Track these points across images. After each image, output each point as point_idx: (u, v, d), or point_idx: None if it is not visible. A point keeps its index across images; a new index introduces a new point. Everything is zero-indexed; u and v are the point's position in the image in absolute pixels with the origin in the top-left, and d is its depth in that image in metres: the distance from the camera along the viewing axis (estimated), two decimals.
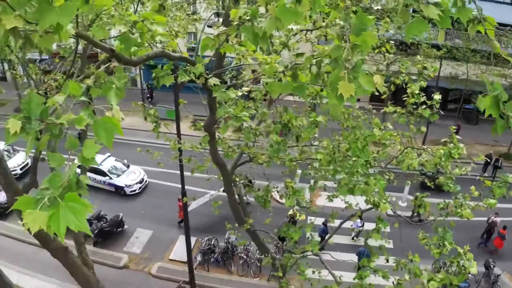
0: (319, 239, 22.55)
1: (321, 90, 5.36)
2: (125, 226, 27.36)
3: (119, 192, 31.07)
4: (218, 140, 11.44)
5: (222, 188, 13.31)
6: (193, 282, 21.86)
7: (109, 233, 26.46)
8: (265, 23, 4.42)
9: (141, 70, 44.96)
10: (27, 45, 3.79)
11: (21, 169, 33.22)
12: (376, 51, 12.12)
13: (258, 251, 23.41)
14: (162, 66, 7.46)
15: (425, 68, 11.71)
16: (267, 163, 11.76)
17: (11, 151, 34.60)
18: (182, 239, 25.26)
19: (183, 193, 19.01)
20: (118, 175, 31.44)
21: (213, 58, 7.41)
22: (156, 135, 11.72)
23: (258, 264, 23.77)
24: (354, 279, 11.39)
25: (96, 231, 25.83)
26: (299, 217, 12.44)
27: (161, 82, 7.24)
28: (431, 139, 36.40)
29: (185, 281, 22.40)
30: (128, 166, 32.57)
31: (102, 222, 26.42)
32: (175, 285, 22.96)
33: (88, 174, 30.07)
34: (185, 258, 23.48)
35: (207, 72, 7.30)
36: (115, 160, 32.57)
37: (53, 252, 15.30)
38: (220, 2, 27.46)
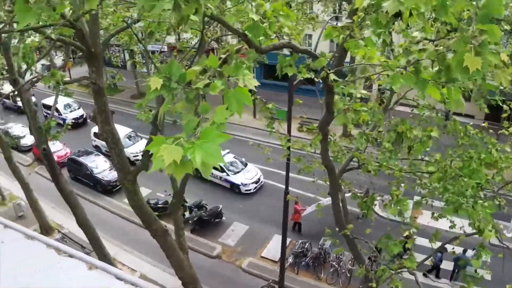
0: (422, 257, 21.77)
1: (442, 87, 5.21)
2: (223, 218, 27.92)
3: (234, 189, 31.29)
4: (330, 142, 11.36)
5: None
6: (282, 283, 21.88)
7: (207, 223, 27.13)
8: (388, 5, 4.40)
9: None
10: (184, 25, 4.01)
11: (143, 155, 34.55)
12: None
13: (350, 262, 23.07)
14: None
15: None
16: (375, 172, 11.56)
17: (135, 137, 36.22)
18: (276, 238, 25.41)
19: (286, 193, 19.11)
20: (235, 172, 31.56)
21: (336, 54, 7.37)
22: (268, 133, 11.81)
23: (348, 275, 23.32)
24: None
25: (195, 219, 26.65)
26: (411, 242, 12.10)
27: (284, 71, 7.31)
28: None
29: (275, 281, 22.47)
30: (245, 165, 32.47)
31: (202, 211, 27.15)
32: (263, 283, 23.10)
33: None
34: (277, 257, 23.63)
35: (328, 68, 7.30)
36: (234, 157, 32.59)
37: (153, 233, 15.90)
38: (337, 5, 27.43)
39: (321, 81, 7.63)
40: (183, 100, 4.02)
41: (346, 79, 8.25)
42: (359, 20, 5.95)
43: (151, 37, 12.72)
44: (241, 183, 30.92)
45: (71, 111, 43.33)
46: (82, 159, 33.40)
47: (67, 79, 12.05)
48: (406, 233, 12.29)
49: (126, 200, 16.70)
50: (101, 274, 6.10)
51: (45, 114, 40.17)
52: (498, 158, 10.95)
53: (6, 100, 45.63)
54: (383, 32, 5.64)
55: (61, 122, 39.12)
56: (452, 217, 11.06)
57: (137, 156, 33.45)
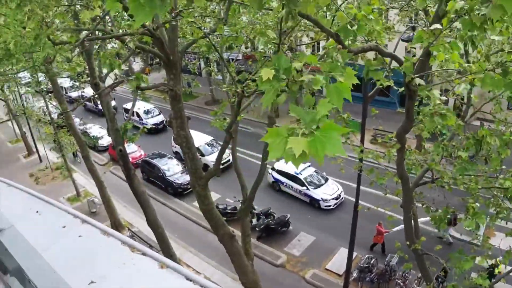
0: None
1: None
2: (290, 227, 27.86)
3: (313, 204, 30.46)
4: (406, 152, 11.21)
5: None
6: None
7: (274, 231, 27.20)
8: (487, 10, 4.48)
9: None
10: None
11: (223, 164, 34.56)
12: None
13: (416, 281, 22.50)
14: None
15: None
16: (449, 187, 11.32)
17: (215, 145, 36.41)
18: (342, 251, 25.14)
19: (356, 205, 18.96)
20: (316, 187, 30.57)
21: (421, 58, 7.32)
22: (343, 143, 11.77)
23: None
24: None
25: (262, 226, 26.80)
26: (499, 269, 11.71)
27: (370, 75, 7.36)
28: None
29: None
30: (326, 180, 31.35)
31: (269, 219, 27.27)
32: None
33: (286, 181, 31.46)
34: (341, 271, 23.38)
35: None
36: (315, 171, 31.70)
37: (220, 237, 16.16)
38: (414, 15, 26.93)
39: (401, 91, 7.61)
40: (285, 94, 4.20)
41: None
42: (448, 22, 5.97)
43: (229, 50, 13.09)
44: (321, 198, 29.95)
45: (151, 117, 44.78)
46: (155, 162, 34.51)
47: (143, 85, 12.50)
48: (492, 261, 11.93)
49: (195, 204, 17.14)
50: (171, 273, 6.30)
51: (126, 118, 41.44)
52: None
53: (88, 103, 47.85)
54: (478, 34, 5.67)
55: (141, 127, 40.60)
56: None
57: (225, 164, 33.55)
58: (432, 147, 10.74)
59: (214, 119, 13.96)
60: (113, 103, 46.02)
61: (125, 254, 6.61)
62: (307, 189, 30.42)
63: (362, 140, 16.07)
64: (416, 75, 7.19)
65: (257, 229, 26.93)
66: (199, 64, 50.19)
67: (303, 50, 35.91)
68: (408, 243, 12.92)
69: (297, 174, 30.51)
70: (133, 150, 36.48)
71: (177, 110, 13.27)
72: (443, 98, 7.92)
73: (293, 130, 3.42)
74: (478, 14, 5.02)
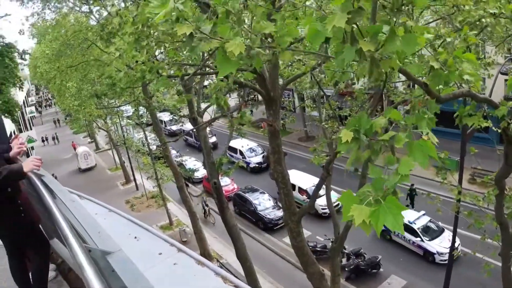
0: None
1: None
2: (381, 269, 27.05)
3: (427, 257, 27.66)
4: (506, 197, 10.68)
5: None
6: None
7: (364, 272, 26.45)
8: None
9: None
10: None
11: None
12: None
13: None
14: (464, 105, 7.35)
15: None
16: None
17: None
18: None
19: (452, 249, 18.16)
20: (431, 238, 27.78)
21: None
22: (438, 183, 11.45)
23: None
24: None
25: (352, 267, 26.20)
26: None
27: (464, 121, 7.14)
28: None
29: None
30: (442, 231, 28.52)
31: (360, 259, 26.67)
32: None
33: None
34: None
35: (510, 117, 6.99)
36: (430, 220, 29.00)
37: (310, 275, 15.99)
38: None
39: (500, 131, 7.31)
40: (368, 150, 4.15)
41: None
42: None
43: (332, 85, 13.19)
44: (437, 251, 27.03)
45: (255, 155, 45.11)
46: (247, 196, 34.98)
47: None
48: None
49: (285, 240, 17.14)
50: None
51: (228, 155, 42.07)
52: None
53: (189, 138, 49.50)
54: None
55: (244, 165, 42.03)
56: None
57: (325, 209, 31.22)
58: None
59: (314, 155, 14.00)
60: (213, 139, 47.76)
61: (218, 284, 6.69)
62: (422, 240, 27.68)
63: (460, 180, 15.50)
64: None
65: (346, 269, 26.29)
66: (294, 100, 50.75)
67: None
68: None
69: (411, 223, 28.29)
70: (227, 183, 37.08)
71: (275, 145, 13.43)
72: None
73: (364, 196, 3.50)
74: None
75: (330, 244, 20.76)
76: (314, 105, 30.27)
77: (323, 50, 7.21)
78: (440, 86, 5.92)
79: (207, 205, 33.90)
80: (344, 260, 26.76)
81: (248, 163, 43.06)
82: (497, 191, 9.72)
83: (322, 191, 33.31)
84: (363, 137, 4.04)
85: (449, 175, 12.72)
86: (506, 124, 6.90)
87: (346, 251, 27.17)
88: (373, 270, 26.68)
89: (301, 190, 33.03)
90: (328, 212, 25.67)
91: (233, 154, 44.32)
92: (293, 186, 30.70)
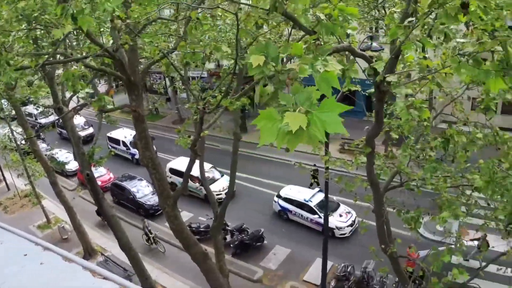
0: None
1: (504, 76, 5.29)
2: (265, 242, 27.69)
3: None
4: (375, 156, 11.17)
5: None
6: None
7: (249, 246, 26.97)
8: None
9: None
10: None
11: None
12: None
13: (394, 286, 22.56)
14: None
15: None
16: (418, 189, 11.38)
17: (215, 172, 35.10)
18: (318, 262, 25.05)
19: (327, 215, 18.89)
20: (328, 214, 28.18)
21: (392, 56, 7.32)
22: (312, 156, 11.77)
23: None
24: None
25: (236, 243, 26.58)
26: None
27: (346, 74, 7.37)
28: None
29: None
30: (338, 205, 29.21)
31: (243, 235, 27.11)
32: None
33: (294, 209, 29.71)
34: (319, 281, 23.25)
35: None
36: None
37: (193, 256, 16.02)
38: (374, 23, 27.19)
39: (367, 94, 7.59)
40: (272, 84, 4.21)
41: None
42: (424, 14, 6.04)
43: (187, 67, 13.09)
44: (336, 226, 27.75)
45: None
46: (125, 184, 34.05)
47: (110, 106, 12.44)
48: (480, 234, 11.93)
49: (167, 224, 16.98)
50: None
51: (110, 147, 40.81)
52: None
53: (63, 130, 46.57)
54: (450, 24, 5.78)
55: (129, 157, 40.65)
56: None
57: (221, 194, 31.75)
58: (400, 150, 10.78)
59: (178, 137, 13.90)
60: (90, 130, 45.74)
61: (87, 279, 6.49)
62: (319, 217, 27.82)
63: (326, 147, 16.14)
64: (387, 75, 7.19)
65: (231, 245, 26.68)
66: (165, 83, 50.07)
67: None
68: (382, 247, 12.94)
69: (307, 201, 28.88)
70: (102, 173, 36.06)
71: (141, 130, 13.17)
72: (410, 91, 7.90)
73: (287, 110, 3.30)
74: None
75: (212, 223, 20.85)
76: (183, 87, 30.11)
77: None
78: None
79: (150, 232, 29.09)
80: (228, 237, 27.12)
81: (133, 155, 40.82)
82: (369, 149, 10.08)
83: (217, 175, 33.61)
84: (270, 64, 4.08)
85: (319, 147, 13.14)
86: (382, 78, 7.15)
87: (229, 228, 27.55)
88: (258, 243, 27.30)
89: (193, 178, 32.40)
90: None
91: (115, 145, 41.93)
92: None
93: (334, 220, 27.93)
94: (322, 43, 5.44)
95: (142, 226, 28.64)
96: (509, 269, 15.82)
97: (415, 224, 11.57)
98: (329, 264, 24.46)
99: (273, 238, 28.26)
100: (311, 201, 28.85)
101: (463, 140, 9.71)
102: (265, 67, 4.09)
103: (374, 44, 14.81)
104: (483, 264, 12.52)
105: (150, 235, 28.44)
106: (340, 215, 28.52)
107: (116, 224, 20.01)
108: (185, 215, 30.27)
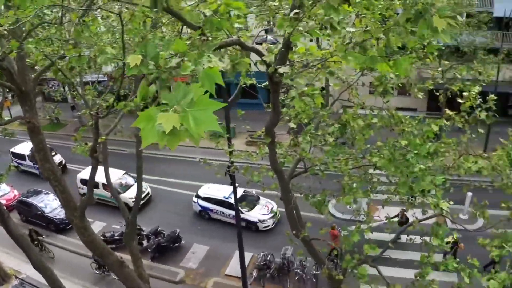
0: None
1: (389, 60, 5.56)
2: (182, 242, 27.51)
3: (250, 227, 28.36)
4: (277, 145, 11.30)
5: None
6: None
7: (166, 248, 26.67)
8: None
9: None
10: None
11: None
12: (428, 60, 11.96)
13: (314, 267, 23.09)
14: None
15: (480, 73, 11.55)
16: (322, 173, 11.65)
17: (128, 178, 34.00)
18: (238, 254, 25.19)
19: (237, 208, 18.90)
20: (250, 209, 28.71)
21: (281, 49, 7.37)
22: (217, 150, 11.78)
23: (314, 280, 23.37)
24: (415, 276, 11.12)
25: (153, 246, 26.19)
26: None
27: (237, 67, 7.32)
28: (492, 148, 35.31)
29: None
30: (258, 199, 29.67)
31: (159, 238, 26.74)
32: None
33: (215, 207, 29.54)
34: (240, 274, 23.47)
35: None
36: (244, 191, 29.22)
37: (110, 266, 15.66)
38: (272, 18, 27.52)
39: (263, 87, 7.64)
40: (156, 83, 4.18)
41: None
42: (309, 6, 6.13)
43: (72, 71, 12.58)
44: (258, 220, 28.14)
45: None
46: (31, 200, 32.29)
47: (7, 118, 11.84)
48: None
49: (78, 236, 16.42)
50: None
51: (16, 163, 38.08)
52: (437, 146, 11.32)
53: None
54: (334, 16, 5.86)
55: (37, 172, 37.46)
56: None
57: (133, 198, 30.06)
58: (302, 134, 10.98)
59: (75, 145, 13.46)
60: None
61: None
62: (241, 212, 26.83)
63: (229, 141, 16.20)
64: (278, 66, 7.24)
65: (149, 250, 26.28)
66: (63, 90, 48.07)
67: None
68: (294, 232, 13.16)
69: (226, 198, 28.89)
70: (5, 191, 34.11)
71: (38, 142, 12.63)
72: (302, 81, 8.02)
73: (165, 109, 3.26)
74: None
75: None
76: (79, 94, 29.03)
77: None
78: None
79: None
80: (145, 242, 26.73)
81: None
82: (269, 139, 10.18)
83: (131, 181, 32.53)
84: (150, 62, 4.07)
85: (224, 141, 13.14)
86: (273, 70, 7.17)
87: (144, 233, 27.16)
88: (175, 244, 27.11)
89: (105, 186, 30.97)
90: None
91: (21, 161, 39.14)
92: (97, 183, 29.51)
93: (256, 214, 28.43)
94: (209, 38, 5.42)
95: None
96: (417, 237, 16.55)
97: (321, 207, 11.90)
98: (249, 255, 24.77)
99: (192, 237, 28.17)
100: (231, 198, 28.59)
101: (360, 124, 10.06)
102: (143, 67, 4.02)
103: (270, 37, 14.92)
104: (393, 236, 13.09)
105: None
106: (262, 208, 28.91)
107: (25, 244, 19.11)
108: (98, 225, 29.67)
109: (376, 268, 12.57)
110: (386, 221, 12.32)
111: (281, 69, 7.08)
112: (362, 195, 11.15)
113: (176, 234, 27.07)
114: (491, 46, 36.21)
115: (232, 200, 27.26)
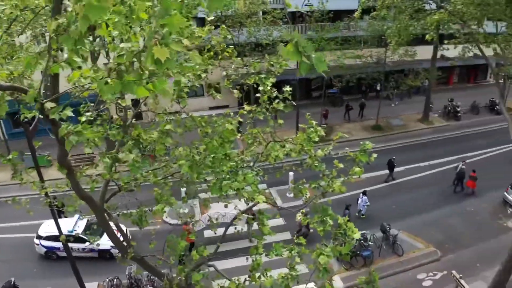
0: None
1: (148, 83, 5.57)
2: None
3: (104, 256, 27.41)
4: (77, 173, 10.95)
5: None
6: None
7: None
8: (78, 23, 4.87)
9: None
10: None
11: None
12: (220, 57, 12.52)
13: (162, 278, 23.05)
14: None
15: (272, 65, 12.28)
16: (137, 187, 11.62)
17: None
18: (89, 286, 24.08)
19: (66, 239, 17.54)
20: (99, 237, 25.77)
21: (44, 81, 7.15)
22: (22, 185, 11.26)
23: None
24: (250, 270, 11.66)
25: None
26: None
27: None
28: (304, 129, 38.17)
29: None
30: None
31: None
32: None
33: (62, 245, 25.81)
34: None
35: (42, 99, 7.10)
36: (89, 220, 26.76)
37: None
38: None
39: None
40: None
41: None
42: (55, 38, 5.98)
43: None
44: (111, 246, 26.10)
45: None
46: None
47: None
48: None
49: None
50: None
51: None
52: (245, 136, 12.05)
53: None
54: (80, 48, 5.81)
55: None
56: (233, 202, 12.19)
57: None
58: (99, 156, 10.65)
59: None
60: None
61: None
62: (90, 243, 24.44)
63: (37, 169, 15.37)
64: (47, 100, 7.07)
65: None
66: None
67: None
68: (120, 255, 13.00)
69: (71, 231, 26.73)
70: None
71: None
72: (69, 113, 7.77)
73: None
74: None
75: None
76: None
77: None
78: None
79: None
80: None
81: None
82: (65, 170, 9.79)
83: None
84: None
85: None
86: (40, 105, 6.96)
87: None
88: None
89: None
90: None
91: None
92: None
93: (106, 241, 26.13)
94: None
95: None
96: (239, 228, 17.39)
97: (142, 222, 12.02)
98: (95, 285, 24.19)
99: (29, 281, 26.13)
100: (76, 230, 27.40)
101: (154, 135, 10.24)
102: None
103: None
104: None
105: None
106: None
107: None
108: None
109: (213, 266, 13.04)
110: (209, 222, 12.69)
111: (47, 104, 6.93)
112: (175, 202, 11.46)
113: (12, 283, 25.07)
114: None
115: (78, 232, 27.00)
